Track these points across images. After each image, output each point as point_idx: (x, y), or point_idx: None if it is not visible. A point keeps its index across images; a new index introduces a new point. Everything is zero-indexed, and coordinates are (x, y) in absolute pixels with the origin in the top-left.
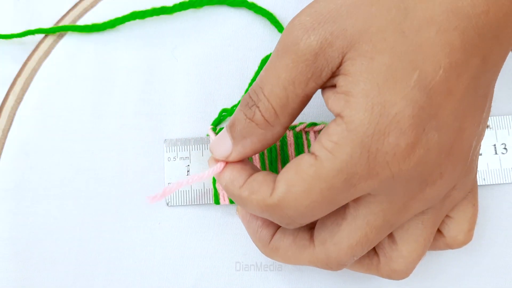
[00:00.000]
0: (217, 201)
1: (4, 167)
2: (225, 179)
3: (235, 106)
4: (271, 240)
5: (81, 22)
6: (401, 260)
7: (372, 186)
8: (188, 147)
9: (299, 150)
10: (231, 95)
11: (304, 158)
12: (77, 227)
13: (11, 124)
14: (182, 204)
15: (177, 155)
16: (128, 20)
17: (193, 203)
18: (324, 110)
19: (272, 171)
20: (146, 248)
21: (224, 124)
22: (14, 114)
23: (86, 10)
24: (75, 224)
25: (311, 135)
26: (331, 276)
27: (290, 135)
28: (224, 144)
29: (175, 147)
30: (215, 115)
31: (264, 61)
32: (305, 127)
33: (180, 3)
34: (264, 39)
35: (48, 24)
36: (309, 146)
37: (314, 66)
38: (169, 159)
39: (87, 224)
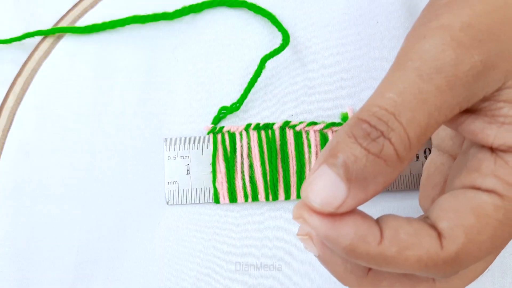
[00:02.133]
0: (217, 200)
1: (4, 167)
2: (348, 236)
3: (234, 104)
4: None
5: (80, 22)
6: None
7: None
8: (188, 146)
9: (299, 149)
10: (231, 95)
11: (482, 198)
12: (77, 227)
13: (11, 124)
14: (182, 203)
15: (177, 154)
16: (129, 24)
17: (193, 202)
18: (324, 109)
19: (272, 170)
20: (146, 247)
21: (224, 123)
22: (14, 114)
23: (86, 10)
24: (75, 224)
25: (311, 134)
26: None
27: (290, 134)
28: (332, 188)
29: (175, 146)
30: (215, 115)
31: (264, 60)
32: (305, 126)
33: (181, 9)
34: (264, 39)
35: (48, 24)
36: (309, 145)
37: (470, 89)
38: (169, 158)
39: (87, 223)
